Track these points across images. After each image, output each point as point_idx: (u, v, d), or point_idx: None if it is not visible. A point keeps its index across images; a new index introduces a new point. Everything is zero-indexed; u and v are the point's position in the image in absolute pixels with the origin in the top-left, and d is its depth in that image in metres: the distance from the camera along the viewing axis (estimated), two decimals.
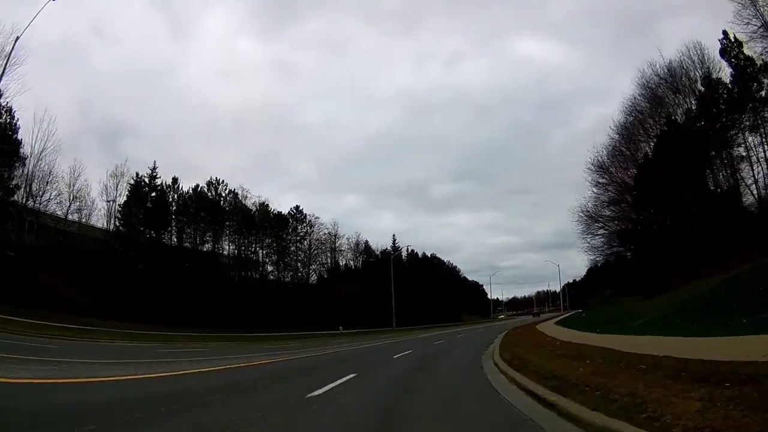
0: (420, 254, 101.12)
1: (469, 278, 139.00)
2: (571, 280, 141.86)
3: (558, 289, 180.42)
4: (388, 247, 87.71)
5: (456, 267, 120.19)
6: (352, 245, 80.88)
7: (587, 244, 58.38)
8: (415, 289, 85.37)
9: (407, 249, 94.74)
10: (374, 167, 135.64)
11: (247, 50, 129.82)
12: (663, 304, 25.29)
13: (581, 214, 53.53)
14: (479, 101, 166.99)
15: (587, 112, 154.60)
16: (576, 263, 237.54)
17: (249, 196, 67.90)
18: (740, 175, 39.07)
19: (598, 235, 55.28)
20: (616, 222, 52.27)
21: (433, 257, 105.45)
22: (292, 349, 25.97)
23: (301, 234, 77.08)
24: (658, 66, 43.21)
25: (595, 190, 51.98)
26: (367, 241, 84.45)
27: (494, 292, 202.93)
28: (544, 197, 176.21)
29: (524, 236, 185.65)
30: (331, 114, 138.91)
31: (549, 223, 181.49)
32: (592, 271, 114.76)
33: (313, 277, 78.94)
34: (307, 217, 77.14)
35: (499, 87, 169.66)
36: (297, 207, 77.94)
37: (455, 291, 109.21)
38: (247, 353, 21.90)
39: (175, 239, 63.14)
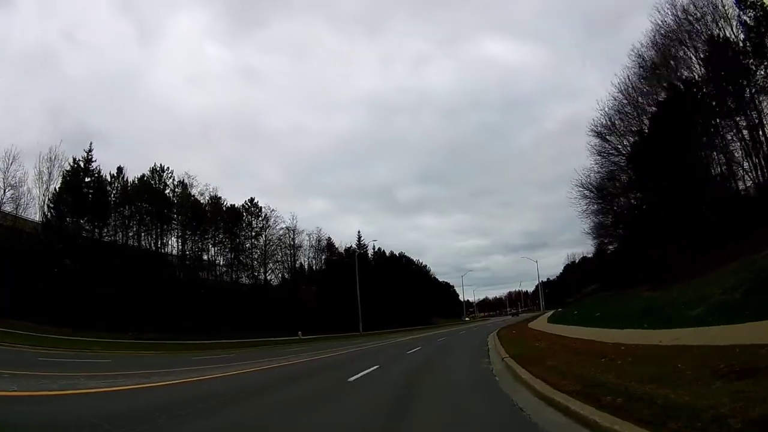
0: (387, 253, 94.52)
1: (440, 279, 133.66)
2: (543, 280, 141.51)
3: (530, 289, 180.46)
4: (353, 245, 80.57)
5: (426, 266, 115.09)
6: (313, 242, 73.24)
7: (589, 222, 53.13)
8: (383, 291, 78.61)
9: (373, 247, 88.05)
10: (341, 171, 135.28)
11: (214, 55, 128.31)
12: (708, 286, 18.93)
13: (581, 188, 47.30)
14: (445, 103, 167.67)
15: (554, 112, 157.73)
16: (548, 263, 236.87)
17: (196, 184, 59.62)
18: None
19: (600, 214, 48.95)
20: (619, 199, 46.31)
21: (402, 256, 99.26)
22: (215, 363, 18.65)
23: (257, 229, 69.18)
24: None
25: (597, 159, 45.83)
26: (329, 238, 77.06)
27: (465, 294, 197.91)
28: (511, 197, 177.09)
29: (493, 238, 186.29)
30: (298, 118, 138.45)
31: (517, 223, 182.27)
32: (569, 268, 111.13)
33: (272, 278, 70.96)
34: (263, 210, 69.29)
35: (465, 88, 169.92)
36: (252, 200, 70.09)
37: (426, 292, 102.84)
38: (142, 369, 14.70)
39: (121, 235, 54.69)
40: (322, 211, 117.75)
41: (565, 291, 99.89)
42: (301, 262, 72.23)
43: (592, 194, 48.52)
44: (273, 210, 68.86)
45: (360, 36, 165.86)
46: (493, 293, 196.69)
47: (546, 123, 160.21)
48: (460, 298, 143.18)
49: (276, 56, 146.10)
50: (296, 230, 69.59)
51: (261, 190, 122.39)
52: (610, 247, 53.59)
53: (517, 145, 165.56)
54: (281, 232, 67.80)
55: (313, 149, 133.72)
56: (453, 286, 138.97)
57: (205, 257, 65.17)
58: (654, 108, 41.94)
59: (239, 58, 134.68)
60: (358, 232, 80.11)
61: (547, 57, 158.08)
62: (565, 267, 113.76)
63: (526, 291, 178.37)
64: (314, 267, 74.28)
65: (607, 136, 44.43)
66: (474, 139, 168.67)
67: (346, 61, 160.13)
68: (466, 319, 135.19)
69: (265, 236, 68.84)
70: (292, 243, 69.13)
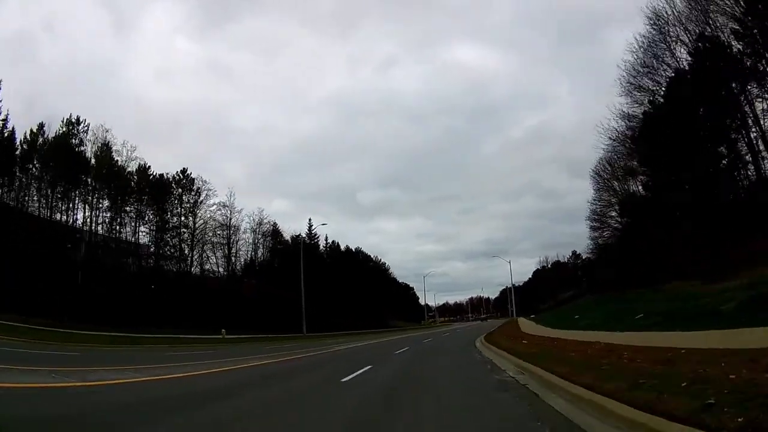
0: (343, 247, 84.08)
1: (399, 280, 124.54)
2: (509, 286, 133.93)
3: (493, 296, 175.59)
4: (303, 234, 69.69)
5: (385, 264, 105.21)
6: (253, 225, 61.84)
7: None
8: (336, 288, 68.30)
9: (326, 239, 77.31)
10: (305, 172, 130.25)
11: (185, 50, 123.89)
12: None
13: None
14: (411, 107, 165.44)
15: (522, 121, 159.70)
16: (507, 271, 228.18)
17: (122, 150, 48.25)
18: None
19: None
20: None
21: (359, 252, 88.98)
22: None
23: (188, 205, 57.64)
24: None
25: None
26: (275, 224, 65.83)
27: (426, 298, 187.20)
28: (474, 205, 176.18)
29: (453, 244, 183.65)
30: (264, 117, 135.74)
31: (479, 231, 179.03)
32: (540, 274, 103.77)
33: (207, 266, 59.32)
34: (195, 182, 57.77)
35: (432, 93, 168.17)
36: (184, 170, 58.50)
37: (384, 293, 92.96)
38: None
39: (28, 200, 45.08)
40: (284, 211, 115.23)
41: (536, 297, 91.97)
42: (238, 249, 60.60)
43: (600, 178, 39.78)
44: (206, 182, 57.38)
45: (330, 36, 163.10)
46: (453, 299, 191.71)
47: (513, 131, 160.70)
48: (421, 301, 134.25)
49: (246, 54, 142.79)
50: (233, 208, 58.11)
51: (223, 188, 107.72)
52: (610, 240, 44.40)
53: (482, 153, 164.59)
54: (213, 208, 56.10)
55: (278, 149, 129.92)
56: (413, 288, 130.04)
57: (124, 235, 53.41)
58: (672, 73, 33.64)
59: (209, 54, 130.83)
60: (309, 220, 69.00)
61: (518, 65, 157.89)
62: (535, 273, 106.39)
63: (488, 297, 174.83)
64: (257, 256, 62.93)
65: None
66: (439, 144, 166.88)
67: (315, 61, 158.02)
68: (430, 322, 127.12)
69: (197, 214, 57.36)
70: (227, 223, 57.58)
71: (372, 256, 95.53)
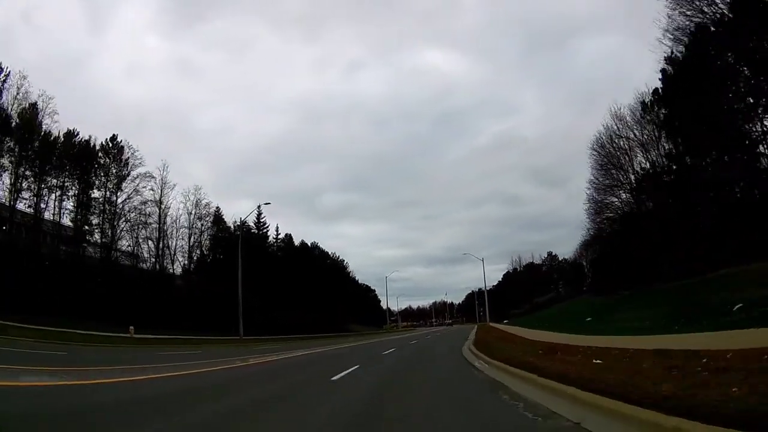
0: (297, 242, 75.60)
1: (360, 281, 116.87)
2: (475, 290, 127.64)
3: (457, 301, 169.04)
4: (251, 222, 60.94)
5: (343, 261, 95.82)
6: (189, 207, 52.68)
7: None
8: (287, 286, 59.76)
9: (277, 231, 68.37)
10: (267, 173, 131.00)
11: (155, 47, 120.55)
12: None
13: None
14: (376, 111, 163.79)
15: (487, 128, 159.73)
16: (469, 277, 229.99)
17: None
18: None
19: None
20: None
21: (315, 247, 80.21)
22: None
23: (115, 178, 48.18)
24: None
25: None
26: (218, 209, 56.68)
27: (388, 301, 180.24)
28: (437, 211, 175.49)
29: (416, 249, 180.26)
30: (229, 117, 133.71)
31: (441, 237, 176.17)
32: (511, 277, 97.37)
33: (136, 250, 49.74)
34: (125, 151, 48.47)
35: (397, 98, 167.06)
36: (113, 138, 49.09)
37: (342, 294, 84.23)
38: None
39: None
40: (245, 212, 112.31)
41: (507, 302, 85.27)
42: (167, 232, 51.23)
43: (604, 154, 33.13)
44: (136, 151, 48.19)
45: (297, 38, 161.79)
46: (416, 303, 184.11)
47: (478, 138, 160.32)
48: (383, 305, 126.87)
49: (213, 53, 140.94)
50: (165, 183, 49.05)
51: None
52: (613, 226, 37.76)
53: (446, 159, 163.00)
54: (137, 181, 46.95)
55: (241, 149, 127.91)
56: (374, 291, 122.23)
57: (44, 212, 43.66)
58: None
59: (178, 53, 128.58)
60: (258, 207, 60.09)
61: (485, 71, 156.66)
62: (505, 276, 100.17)
63: (452, 302, 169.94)
64: (192, 243, 53.69)
65: None
66: (403, 150, 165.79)
67: (281, 62, 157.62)
68: (392, 327, 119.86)
69: (122, 188, 48.00)
70: (157, 201, 48.46)
71: (330, 253, 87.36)
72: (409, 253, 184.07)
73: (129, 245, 48.16)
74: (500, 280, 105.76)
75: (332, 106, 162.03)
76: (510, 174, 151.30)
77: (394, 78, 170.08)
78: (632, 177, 35.12)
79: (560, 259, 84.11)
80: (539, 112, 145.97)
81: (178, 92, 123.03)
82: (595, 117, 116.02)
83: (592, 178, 39.90)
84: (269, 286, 56.06)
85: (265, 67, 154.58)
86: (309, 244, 77.15)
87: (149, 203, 49.01)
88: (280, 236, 66.90)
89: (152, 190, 48.04)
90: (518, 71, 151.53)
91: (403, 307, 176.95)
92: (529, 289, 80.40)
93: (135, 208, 48.17)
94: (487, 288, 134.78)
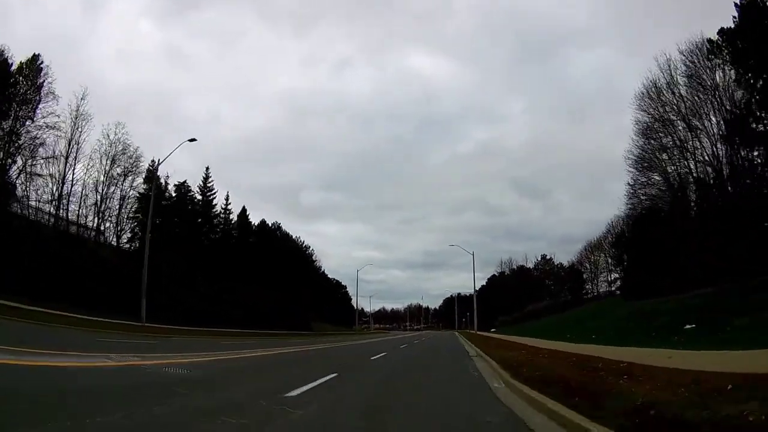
0: (257, 222, 64.27)
1: (331, 276, 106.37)
2: (452, 295, 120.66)
3: (434, 305, 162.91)
4: (195, 187, 50.18)
5: (309, 248, 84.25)
6: (106, 148, 40.55)
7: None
8: (234, 270, 48.93)
9: (227, 200, 55.18)
10: (249, 167, 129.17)
11: (146, 33, 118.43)
12: None
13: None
14: (361, 112, 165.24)
15: (472, 134, 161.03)
16: (445, 284, 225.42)
17: None
18: None
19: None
20: None
21: (276, 227, 68.96)
22: None
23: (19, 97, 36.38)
24: None
25: None
26: (155, 162, 44.73)
27: (361, 301, 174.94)
28: (416, 215, 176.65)
29: (393, 252, 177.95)
30: (214, 108, 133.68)
31: (419, 241, 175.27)
32: (496, 281, 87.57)
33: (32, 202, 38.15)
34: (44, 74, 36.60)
35: (383, 99, 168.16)
36: (35, 57, 37.02)
37: (307, 286, 73.16)
38: None
39: None
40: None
41: (492, 308, 75.30)
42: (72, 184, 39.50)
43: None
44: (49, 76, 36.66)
45: (287, 33, 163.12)
46: (390, 305, 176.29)
47: (461, 145, 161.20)
48: (354, 303, 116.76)
49: (203, 42, 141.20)
50: (79, 113, 37.58)
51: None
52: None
53: (428, 164, 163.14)
54: (40, 116, 35.47)
55: (226, 141, 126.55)
56: (345, 288, 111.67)
57: None
58: None
59: (169, 40, 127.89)
60: (206, 169, 49.14)
61: (473, 77, 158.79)
62: (491, 279, 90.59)
63: (427, 306, 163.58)
64: (109, 199, 41.82)
65: None
66: (385, 151, 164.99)
67: (270, 56, 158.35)
68: (363, 329, 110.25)
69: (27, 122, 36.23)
70: (69, 139, 37.08)
71: (294, 237, 75.72)
72: (386, 256, 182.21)
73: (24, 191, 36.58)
74: (484, 284, 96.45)
75: (318, 103, 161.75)
76: (492, 182, 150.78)
77: (381, 79, 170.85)
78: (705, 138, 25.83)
79: (556, 263, 75.37)
80: (525, 122, 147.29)
81: (166, 79, 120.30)
82: (582, 131, 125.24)
83: (634, 150, 30.86)
84: (209, 267, 45.34)
85: (254, 60, 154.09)
86: (270, 224, 66.20)
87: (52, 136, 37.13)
88: (230, 207, 54.89)
89: (57, 129, 36.36)
90: (506, 79, 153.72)
91: (377, 308, 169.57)
92: (518, 295, 70.96)
93: (35, 144, 36.48)
94: (466, 293, 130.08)
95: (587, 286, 64.37)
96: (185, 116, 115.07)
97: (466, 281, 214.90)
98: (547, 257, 76.56)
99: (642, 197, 31.07)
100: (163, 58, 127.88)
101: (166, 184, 45.60)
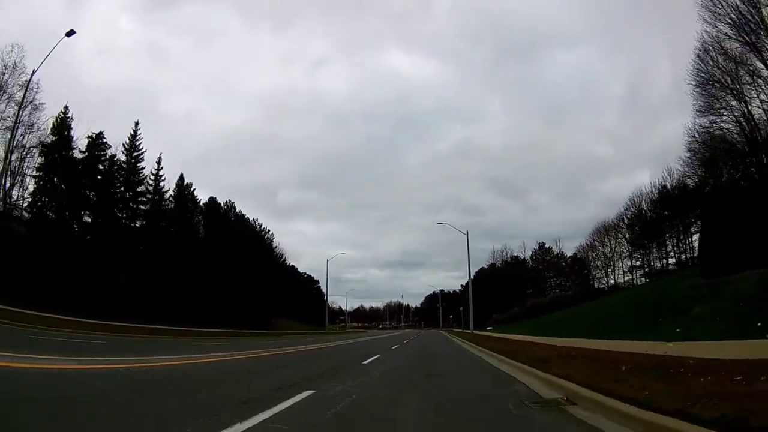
0: (205, 198, 53.80)
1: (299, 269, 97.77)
2: (434, 292, 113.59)
3: (414, 304, 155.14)
4: (121, 145, 39.34)
5: (268, 231, 72.15)
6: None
7: None
8: (172, 252, 38.96)
9: (159, 162, 43.72)
10: (226, 165, 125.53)
11: (127, 29, 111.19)
12: None
13: None
14: (338, 110, 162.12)
15: (449, 134, 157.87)
16: (424, 282, 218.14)
17: None
18: None
19: None
20: None
21: (230, 207, 57.74)
22: None
23: None
24: None
25: None
26: (66, 112, 34.71)
27: (340, 299, 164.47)
28: (393, 214, 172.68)
29: (370, 252, 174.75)
30: (192, 105, 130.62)
31: (397, 241, 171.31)
32: (487, 274, 78.27)
33: None
34: None
35: (360, 97, 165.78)
36: None
37: (271, 278, 62.88)
38: None
39: None
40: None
41: (482, 304, 65.73)
42: None
43: None
44: None
45: (266, 29, 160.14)
46: (368, 304, 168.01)
47: (439, 144, 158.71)
48: (333, 302, 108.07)
49: (183, 39, 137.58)
50: None
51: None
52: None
53: (405, 163, 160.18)
54: None
55: (203, 139, 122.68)
56: (318, 282, 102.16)
57: None
58: None
59: (149, 36, 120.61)
60: (136, 123, 39.10)
61: (451, 77, 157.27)
62: (480, 273, 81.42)
63: (408, 305, 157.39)
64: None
65: None
66: (362, 150, 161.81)
67: (248, 54, 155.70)
68: (339, 328, 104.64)
69: None
70: None
71: (251, 220, 64.36)
72: (364, 255, 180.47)
73: None
74: (472, 279, 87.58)
75: (295, 101, 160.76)
76: (470, 182, 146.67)
77: (359, 77, 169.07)
78: None
79: (555, 252, 66.80)
80: (503, 122, 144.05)
81: (145, 75, 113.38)
82: (561, 131, 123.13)
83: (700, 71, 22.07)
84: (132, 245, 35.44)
85: (231, 58, 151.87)
86: (223, 204, 55.57)
87: None
88: (161, 172, 43.65)
89: None
90: (485, 79, 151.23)
91: (356, 306, 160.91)
92: (513, 289, 62.17)
93: None
94: (450, 292, 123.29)
95: (599, 276, 56.35)
96: (163, 112, 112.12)
97: (446, 280, 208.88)
98: (546, 246, 68.02)
99: (713, 132, 22.62)
100: (142, 54, 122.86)
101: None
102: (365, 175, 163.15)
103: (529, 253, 71.19)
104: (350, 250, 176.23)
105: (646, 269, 49.67)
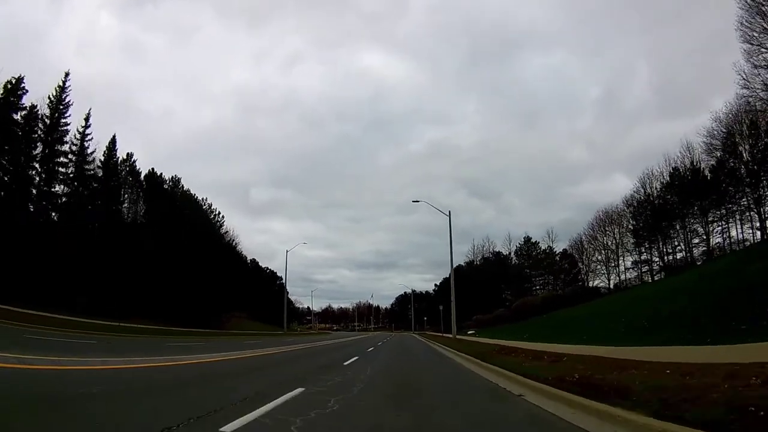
0: (146, 169, 46.26)
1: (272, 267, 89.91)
2: (405, 292, 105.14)
3: (385, 305, 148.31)
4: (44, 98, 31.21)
5: (219, 216, 62.48)
6: None
7: None
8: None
9: (87, 119, 36.23)
10: (200, 162, 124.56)
11: (106, 25, 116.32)
12: None
13: None
14: (311, 109, 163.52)
15: (422, 135, 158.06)
16: (395, 283, 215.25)
17: None
18: None
19: None
20: None
21: (175, 182, 49.65)
22: None
23: None
24: None
25: None
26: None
27: (306, 299, 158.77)
28: (365, 215, 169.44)
29: (342, 251, 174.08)
30: (167, 102, 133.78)
31: (368, 241, 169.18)
32: (464, 273, 71.61)
33: None
34: None
35: (333, 97, 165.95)
36: None
37: (218, 270, 54.20)
38: None
39: None
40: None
41: (460, 306, 59.29)
42: None
43: None
44: None
45: (241, 26, 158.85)
46: (337, 304, 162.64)
47: (411, 145, 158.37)
48: (292, 299, 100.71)
49: (158, 35, 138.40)
50: None
51: None
52: None
53: (377, 163, 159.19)
54: None
55: (175, 137, 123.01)
56: (281, 278, 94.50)
57: None
58: None
59: (126, 33, 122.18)
60: (66, 74, 31.76)
61: (425, 77, 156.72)
62: (457, 271, 74.95)
63: (378, 306, 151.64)
64: None
65: None
66: (335, 150, 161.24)
67: (222, 51, 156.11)
68: (305, 329, 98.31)
69: None
70: None
71: (197, 198, 55.65)
72: (336, 255, 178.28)
73: None
74: (446, 277, 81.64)
75: (269, 99, 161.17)
76: (442, 183, 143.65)
77: (332, 76, 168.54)
78: None
79: (543, 248, 60.96)
80: (476, 124, 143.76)
81: (121, 71, 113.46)
82: (535, 134, 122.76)
83: None
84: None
85: (206, 55, 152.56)
86: (159, 174, 47.10)
87: None
88: (89, 133, 36.02)
89: None
90: (458, 81, 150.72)
91: (324, 306, 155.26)
92: (497, 288, 56.15)
93: None
94: (422, 292, 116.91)
95: (600, 272, 50.67)
96: (138, 109, 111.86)
97: (418, 282, 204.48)
98: (532, 240, 62.25)
99: None
100: (119, 50, 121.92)
101: None
102: (338, 174, 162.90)
103: (514, 248, 65.10)
104: (321, 250, 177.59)
105: (660, 263, 43.88)
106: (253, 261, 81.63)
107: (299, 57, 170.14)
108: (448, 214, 31.71)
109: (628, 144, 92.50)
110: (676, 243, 42.38)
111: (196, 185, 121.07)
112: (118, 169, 39.04)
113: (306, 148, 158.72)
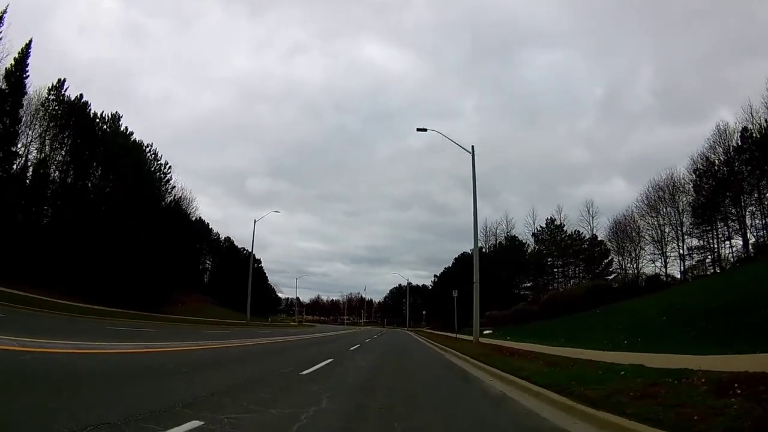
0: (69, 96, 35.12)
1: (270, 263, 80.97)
2: (400, 285, 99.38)
3: (377, 299, 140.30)
4: None
5: (166, 164, 51.20)
6: None
7: None
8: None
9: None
10: (197, 149, 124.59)
11: (107, 8, 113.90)
12: None
13: None
14: (311, 100, 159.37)
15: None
16: (389, 279, 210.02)
17: None
18: None
19: None
20: None
21: (114, 120, 39.95)
22: None
23: None
24: None
25: None
26: None
27: (293, 291, 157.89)
28: (361, 208, 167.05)
29: (337, 245, 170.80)
30: (167, 88, 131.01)
31: (364, 235, 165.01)
32: (468, 261, 62.20)
33: None
34: None
35: (333, 88, 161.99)
36: None
37: (168, 237, 43.70)
38: None
39: None
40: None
41: (462, 301, 50.13)
42: None
43: None
44: None
45: (243, 12, 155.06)
46: (327, 296, 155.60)
47: (410, 139, 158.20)
48: (276, 287, 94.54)
49: (161, 20, 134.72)
50: None
51: None
52: None
53: (375, 157, 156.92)
54: None
55: (174, 122, 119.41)
56: (260, 261, 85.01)
57: None
58: None
59: (128, 16, 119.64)
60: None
61: (426, 72, 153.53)
62: (458, 261, 65.74)
63: (370, 299, 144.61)
64: None
65: None
66: (332, 142, 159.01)
67: (224, 37, 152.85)
68: (290, 320, 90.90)
69: None
70: None
71: (159, 155, 46.77)
72: (331, 248, 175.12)
73: None
74: (448, 267, 72.42)
75: (269, 88, 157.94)
76: (440, 180, 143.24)
77: (332, 67, 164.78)
78: None
79: (570, 232, 51.19)
80: (476, 121, 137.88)
81: (122, 55, 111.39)
82: (536, 133, 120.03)
83: None
84: None
85: (208, 41, 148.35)
86: (107, 117, 37.36)
87: None
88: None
89: None
90: (460, 76, 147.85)
91: (313, 297, 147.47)
92: (513, 278, 46.46)
93: None
94: (418, 285, 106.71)
95: (651, 257, 41.14)
96: (138, 95, 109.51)
97: (413, 279, 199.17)
98: (557, 222, 52.05)
99: None
100: (120, 34, 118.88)
101: None
102: (335, 167, 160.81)
103: (531, 233, 54.99)
104: (316, 242, 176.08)
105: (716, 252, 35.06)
106: (228, 240, 72.12)
107: (301, 46, 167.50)
108: (471, 150, 22.54)
109: (629, 148, 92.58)
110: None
111: (188, 171, 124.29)
112: (24, 89, 29.29)
113: (304, 139, 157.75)
